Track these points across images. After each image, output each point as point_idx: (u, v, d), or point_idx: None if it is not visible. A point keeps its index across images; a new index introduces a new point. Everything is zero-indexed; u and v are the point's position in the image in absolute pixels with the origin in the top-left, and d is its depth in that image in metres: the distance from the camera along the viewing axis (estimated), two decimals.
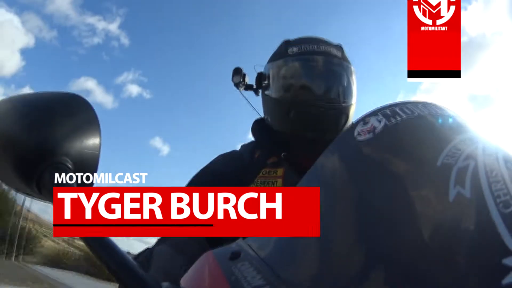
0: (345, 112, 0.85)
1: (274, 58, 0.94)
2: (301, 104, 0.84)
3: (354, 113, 0.89)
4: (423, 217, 0.31)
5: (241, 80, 0.99)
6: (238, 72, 0.99)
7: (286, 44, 0.92)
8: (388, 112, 0.40)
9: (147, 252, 0.72)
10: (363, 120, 0.39)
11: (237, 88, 1.00)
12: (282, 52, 0.91)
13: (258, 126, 0.97)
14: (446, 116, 0.42)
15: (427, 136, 0.39)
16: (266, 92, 0.92)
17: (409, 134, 0.39)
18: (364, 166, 0.37)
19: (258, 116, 1.01)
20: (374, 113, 0.40)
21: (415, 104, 0.41)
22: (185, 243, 0.71)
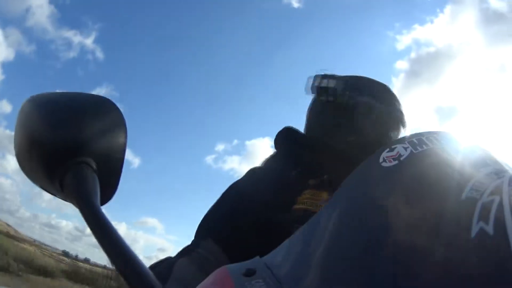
0: None
1: (384, 99, 0.88)
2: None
3: None
4: (443, 251, 0.32)
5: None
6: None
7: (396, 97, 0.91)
8: (415, 140, 0.40)
9: (168, 262, 0.72)
10: (389, 147, 0.40)
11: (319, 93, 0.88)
12: (388, 94, 0.90)
13: (289, 136, 0.89)
14: (473, 147, 0.42)
15: (453, 167, 0.39)
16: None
17: (435, 163, 0.39)
18: (387, 193, 0.38)
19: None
20: (400, 141, 0.40)
21: (443, 134, 0.41)
22: (206, 261, 0.71)
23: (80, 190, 0.43)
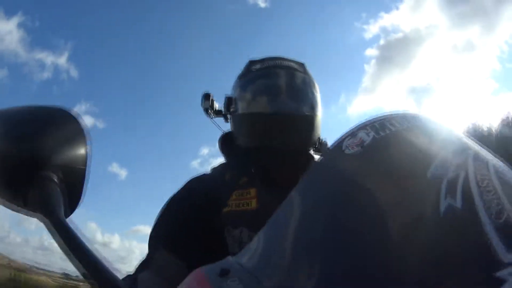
0: (310, 121, 0.88)
1: (239, 78, 0.97)
2: (266, 114, 0.86)
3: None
4: (414, 231, 0.31)
5: (210, 105, 1.00)
6: (207, 98, 1.01)
7: (250, 63, 0.96)
8: (376, 125, 0.39)
9: (130, 280, 0.71)
10: (352, 133, 0.39)
11: (207, 114, 1.01)
12: (246, 71, 0.95)
13: (225, 141, 0.98)
14: (435, 127, 0.42)
15: (416, 148, 0.38)
16: (235, 113, 0.94)
17: (398, 147, 0.39)
18: (353, 180, 0.37)
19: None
20: (362, 127, 0.40)
21: (404, 116, 0.41)
22: (167, 269, 0.71)
23: (44, 204, 0.42)
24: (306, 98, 0.89)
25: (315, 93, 0.92)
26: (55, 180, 0.44)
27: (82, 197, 0.49)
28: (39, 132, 0.46)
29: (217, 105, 1.02)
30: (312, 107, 0.89)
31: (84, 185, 0.49)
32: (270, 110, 0.86)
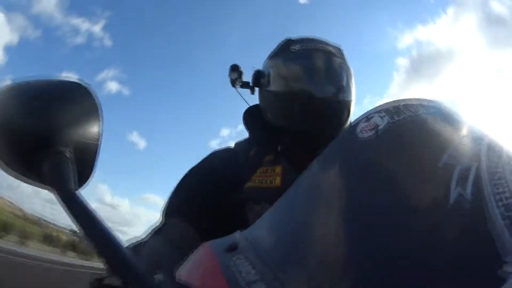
0: (346, 106, 0.87)
1: (275, 55, 0.95)
2: (304, 97, 0.85)
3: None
4: (422, 219, 0.31)
5: (238, 77, 1.00)
6: (235, 69, 1.01)
7: (288, 42, 0.94)
8: (391, 109, 0.39)
9: (142, 245, 0.72)
10: (366, 117, 0.39)
11: (233, 85, 1.01)
12: (285, 49, 0.93)
13: (251, 116, 0.97)
14: (450, 115, 0.41)
15: (430, 135, 0.38)
16: (266, 88, 0.92)
17: (411, 133, 0.38)
18: (365, 164, 0.36)
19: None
20: (377, 111, 0.39)
21: (420, 101, 0.40)
22: (179, 238, 0.72)
23: (57, 178, 0.43)
24: (345, 84, 0.88)
25: (352, 80, 0.91)
26: (68, 155, 0.45)
27: (93, 172, 0.50)
28: (54, 107, 0.47)
29: (243, 77, 1.01)
30: (349, 92, 0.89)
31: (96, 160, 0.50)
32: (312, 93, 0.85)
